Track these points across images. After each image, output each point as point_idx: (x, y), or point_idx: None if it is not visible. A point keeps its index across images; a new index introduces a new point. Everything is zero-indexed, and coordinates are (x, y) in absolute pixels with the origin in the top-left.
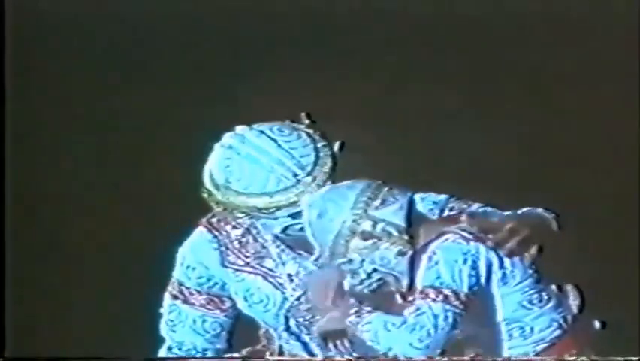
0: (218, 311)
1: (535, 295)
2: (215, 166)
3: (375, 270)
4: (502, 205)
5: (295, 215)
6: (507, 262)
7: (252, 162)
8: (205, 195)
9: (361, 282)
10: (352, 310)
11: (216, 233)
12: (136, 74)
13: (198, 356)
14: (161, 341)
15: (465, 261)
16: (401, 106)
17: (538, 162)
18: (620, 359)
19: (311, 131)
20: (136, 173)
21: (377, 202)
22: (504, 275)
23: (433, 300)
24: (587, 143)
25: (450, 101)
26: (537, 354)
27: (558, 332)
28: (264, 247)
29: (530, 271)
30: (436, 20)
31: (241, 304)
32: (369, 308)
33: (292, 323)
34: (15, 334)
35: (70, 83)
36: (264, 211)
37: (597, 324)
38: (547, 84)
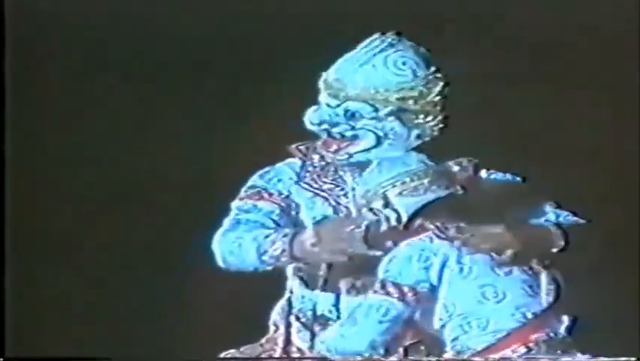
0: (286, 210)
1: (492, 291)
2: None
3: None
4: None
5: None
6: (467, 258)
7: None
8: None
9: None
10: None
11: (303, 157)
12: (137, 73)
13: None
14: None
15: (420, 257)
16: None
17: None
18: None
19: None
20: (136, 173)
21: (404, 188)
22: (461, 270)
23: (374, 292)
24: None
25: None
26: (498, 341)
27: (516, 324)
28: (343, 180)
29: (492, 269)
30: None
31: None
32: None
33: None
34: (15, 334)
35: (70, 83)
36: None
37: (566, 320)
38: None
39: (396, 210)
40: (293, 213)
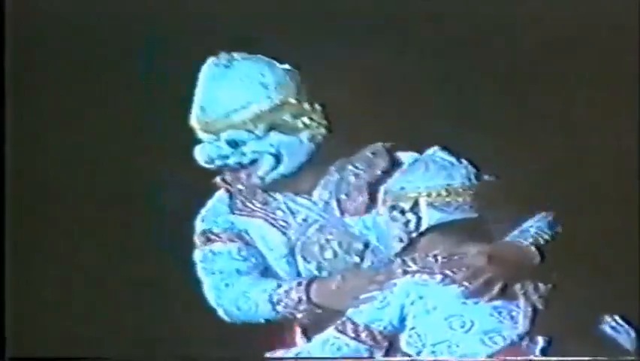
0: (249, 246)
1: (459, 321)
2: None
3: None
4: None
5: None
6: (430, 291)
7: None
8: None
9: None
10: None
11: (228, 187)
12: (137, 73)
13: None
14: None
15: (378, 295)
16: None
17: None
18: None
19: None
20: (137, 172)
21: (438, 200)
22: (425, 304)
23: (335, 328)
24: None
25: (448, 99)
26: None
27: (485, 348)
28: (270, 196)
29: (458, 300)
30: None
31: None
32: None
33: (300, 263)
34: (15, 334)
35: (70, 83)
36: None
37: (541, 341)
38: (547, 83)
39: (419, 217)
40: (248, 238)
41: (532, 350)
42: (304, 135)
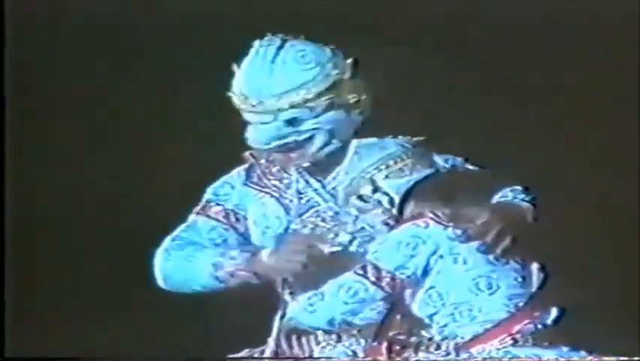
0: (229, 227)
1: (486, 283)
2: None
3: (363, 228)
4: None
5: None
6: (461, 247)
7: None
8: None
9: (353, 237)
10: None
11: (254, 162)
12: (137, 73)
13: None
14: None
15: (409, 244)
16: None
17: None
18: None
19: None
20: (136, 172)
21: (390, 171)
22: (455, 260)
23: (354, 272)
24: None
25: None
26: (485, 332)
27: (506, 315)
28: (285, 173)
29: (487, 259)
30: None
31: (253, 231)
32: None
33: None
34: (15, 334)
35: (70, 82)
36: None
37: (554, 312)
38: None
39: (386, 193)
40: (240, 217)
41: (545, 319)
42: (354, 113)
